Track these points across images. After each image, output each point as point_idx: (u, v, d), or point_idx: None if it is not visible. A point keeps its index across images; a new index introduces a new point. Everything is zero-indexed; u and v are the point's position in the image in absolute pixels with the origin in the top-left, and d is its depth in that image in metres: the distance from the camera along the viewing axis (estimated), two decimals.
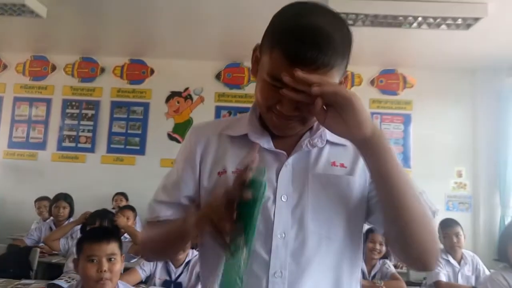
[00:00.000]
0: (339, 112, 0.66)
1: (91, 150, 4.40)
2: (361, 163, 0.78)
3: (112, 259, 1.43)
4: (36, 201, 3.85)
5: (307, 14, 0.70)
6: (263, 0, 2.33)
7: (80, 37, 4.16)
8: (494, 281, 2.23)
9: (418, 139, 4.27)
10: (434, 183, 4.04)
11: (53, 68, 4.55)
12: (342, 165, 0.80)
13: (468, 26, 3.03)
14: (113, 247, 1.45)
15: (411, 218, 0.70)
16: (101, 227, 2.28)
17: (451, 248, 2.74)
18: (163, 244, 0.85)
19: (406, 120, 4.32)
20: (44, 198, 3.79)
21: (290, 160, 0.79)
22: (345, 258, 0.78)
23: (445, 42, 3.57)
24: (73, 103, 4.49)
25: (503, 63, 4.01)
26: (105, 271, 1.40)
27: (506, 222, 3.85)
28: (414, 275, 3.05)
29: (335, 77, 0.70)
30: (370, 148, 0.69)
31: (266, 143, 0.80)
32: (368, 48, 3.78)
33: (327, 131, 0.78)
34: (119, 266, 1.45)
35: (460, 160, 4.23)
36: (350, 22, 2.97)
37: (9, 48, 4.48)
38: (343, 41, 0.70)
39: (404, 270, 3.04)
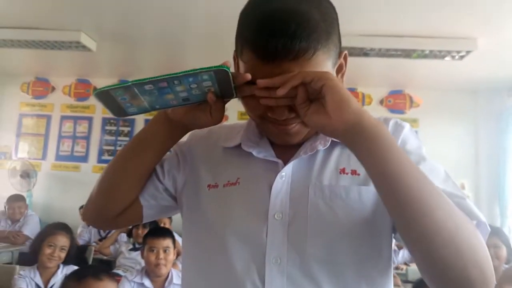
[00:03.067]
0: (321, 102, 0.55)
1: None
2: None
3: (167, 250, 1.91)
4: (80, 208, 4.38)
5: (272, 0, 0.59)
6: None
7: (118, 63, 4.69)
8: None
9: None
10: None
11: (95, 89, 5.12)
12: (354, 172, 0.65)
13: (462, 57, 3.43)
14: (167, 242, 1.93)
15: (435, 235, 0.51)
16: (159, 227, 2.76)
17: None
18: (121, 161, 0.72)
19: None
20: None
21: (287, 169, 0.66)
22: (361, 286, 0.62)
23: (447, 67, 3.93)
24: (112, 121, 5.04)
25: (503, 84, 4.35)
26: (161, 258, 1.88)
27: (505, 231, 4.17)
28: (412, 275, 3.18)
29: (322, 61, 0.58)
30: (358, 141, 0.54)
31: (264, 151, 0.69)
32: (378, 72, 4.21)
33: None
34: (171, 256, 1.93)
35: (463, 174, 4.56)
36: (363, 54, 3.44)
37: (56, 74, 5.08)
38: (324, 17, 0.59)
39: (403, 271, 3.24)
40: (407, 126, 0.71)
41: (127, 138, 4.96)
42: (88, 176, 4.93)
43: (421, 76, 4.39)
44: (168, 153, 0.76)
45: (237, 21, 0.64)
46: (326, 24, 0.59)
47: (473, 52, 3.30)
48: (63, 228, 2.24)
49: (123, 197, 0.73)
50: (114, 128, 5.03)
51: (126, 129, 5.01)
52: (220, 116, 0.65)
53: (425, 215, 0.51)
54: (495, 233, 2.26)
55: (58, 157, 5.04)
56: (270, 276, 0.61)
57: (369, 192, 0.63)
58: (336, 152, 0.68)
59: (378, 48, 3.39)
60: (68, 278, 1.47)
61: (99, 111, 5.07)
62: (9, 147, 5.12)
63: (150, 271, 1.91)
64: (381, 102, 4.80)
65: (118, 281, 1.63)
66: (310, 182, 0.65)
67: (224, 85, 0.60)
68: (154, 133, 0.70)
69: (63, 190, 4.91)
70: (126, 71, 4.92)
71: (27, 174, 4.69)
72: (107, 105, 0.60)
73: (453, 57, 3.44)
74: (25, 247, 3.56)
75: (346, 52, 0.68)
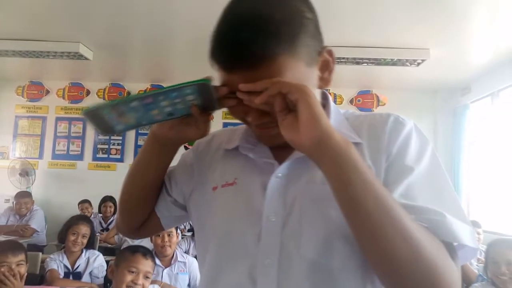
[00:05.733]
0: (297, 115, 0.54)
1: (121, 160, 5.33)
2: (381, 163, 0.61)
3: (170, 234, 2.36)
4: (79, 203, 4.74)
5: (236, 6, 0.60)
6: None
7: (109, 68, 4.97)
8: None
9: None
10: None
11: (88, 92, 5.48)
12: None
13: (418, 64, 3.96)
14: None
15: (390, 264, 0.52)
16: None
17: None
18: (131, 185, 0.77)
19: None
20: (85, 201, 4.70)
21: (283, 169, 0.65)
22: None
23: (408, 71, 4.38)
24: None
25: (457, 85, 4.90)
26: (166, 241, 2.33)
27: None
28: None
29: (288, 64, 0.57)
30: (322, 160, 0.53)
31: (261, 153, 0.68)
32: (348, 75, 4.69)
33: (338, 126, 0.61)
34: (175, 238, 2.38)
35: None
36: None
37: (51, 77, 5.39)
38: (288, 19, 0.57)
39: None
40: (408, 124, 0.66)
41: (120, 137, 5.35)
42: (84, 173, 5.31)
43: (386, 78, 4.87)
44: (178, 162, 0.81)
45: None
46: (291, 26, 0.57)
47: (427, 61, 3.82)
48: (84, 219, 2.68)
49: (138, 213, 0.79)
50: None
51: None
52: (206, 128, 0.68)
53: (380, 244, 0.51)
54: (509, 246, 2.12)
55: (55, 156, 5.38)
56: (262, 279, 0.60)
57: None
58: None
59: (346, 58, 3.88)
60: (124, 249, 1.91)
61: None
62: (7, 147, 5.44)
63: (158, 252, 2.35)
64: (351, 101, 5.32)
65: None
66: (305, 182, 0.63)
67: (207, 98, 0.61)
68: (147, 153, 0.73)
69: (61, 187, 5.27)
70: (116, 76, 5.28)
71: (26, 172, 5.03)
72: (95, 123, 0.61)
73: (410, 64, 3.96)
74: (32, 239, 3.94)
75: (330, 49, 0.65)
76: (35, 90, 5.49)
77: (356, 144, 0.62)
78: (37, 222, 4.11)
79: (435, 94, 5.20)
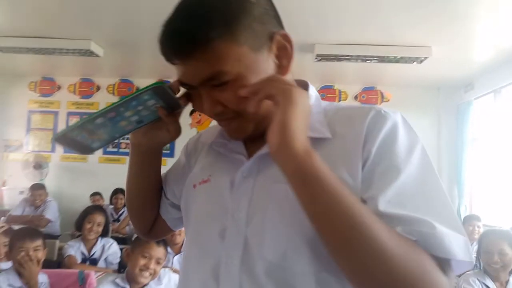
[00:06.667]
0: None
1: (128, 154, 5.45)
2: (352, 160, 0.56)
3: None
4: (91, 195, 4.88)
5: None
6: None
7: (119, 64, 5.08)
8: (469, 282, 2.13)
9: None
10: None
11: (98, 88, 5.62)
12: None
13: (421, 61, 4.04)
14: None
15: (369, 285, 0.48)
16: None
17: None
18: (132, 186, 0.78)
19: None
20: (97, 193, 4.85)
21: (249, 166, 0.62)
22: None
23: (412, 68, 4.43)
24: None
25: (460, 82, 4.96)
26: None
27: (461, 210, 4.85)
28: None
29: (226, 49, 0.54)
30: (284, 169, 0.51)
31: (234, 148, 0.66)
32: (353, 71, 4.78)
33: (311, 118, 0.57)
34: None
35: None
36: (337, 59, 4.02)
37: (62, 73, 5.53)
38: (227, 4, 0.56)
39: None
40: (392, 118, 0.59)
41: None
42: (95, 166, 5.46)
43: (391, 75, 4.93)
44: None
45: None
46: (228, 11, 0.55)
47: (429, 58, 3.90)
48: (99, 208, 2.83)
49: (143, 218, 0.82)
50: None
51: None
52: (176, 128, 0.68)
53: (350, 261, 0.48)
54: (503, 237, 2.22)
55: (66, 150, 5.49)
56: (225, 278, 0.58)
57: None
58: None
59: (351, 55, 3.97)
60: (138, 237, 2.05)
61: (102, 107, 5.54)
62: (20, 141, 5.60)
63: (168, 240, 2.47)
64: (356, 97, 5.40)
65: None
66: (271, 180, 0.59)
67: (167, 99, 0.61)
68: (133, 162, 0.76)
69: (72, 179, 5.42)
70: (126, 72, 5.41)
71: (39, 165, 5.19)
72: (71, 146, 0.60)
73: (413, 62, 4.04)
74: (47, 229, 4.10)
75: (284, 32, 0.61)
76: (47, 85, 5.64)
77: (324, 140, 0.59)
78: (51, 212, 4.27)
79: (439, 90, 5.26)
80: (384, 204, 0.52)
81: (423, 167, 0.56)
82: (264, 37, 0.58)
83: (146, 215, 0.82)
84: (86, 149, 0.63)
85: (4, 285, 1.86)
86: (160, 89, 0.59)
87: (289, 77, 0.64)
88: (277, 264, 0.56)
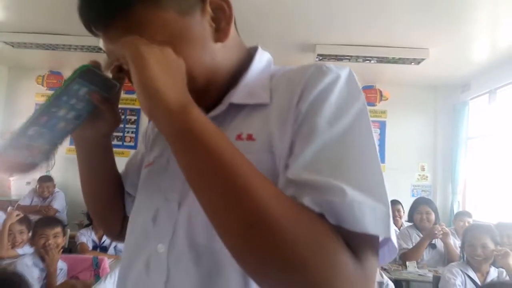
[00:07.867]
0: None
1: (134, 147, 5.60)
2: (285, 125, 0.49)
3: None
4: None
5: None
6: None
7: None
8: (452, 272, 2.26)
9: (391, 141, 5.33)
10: (403, 175, 5.19)
11: None
12: (249, 137, 0.51)
13: (418, 62, 4.18)
14: None
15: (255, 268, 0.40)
16: None
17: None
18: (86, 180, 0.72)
19: (382, 126, 5.46)
20: None
21: None
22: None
23: (410, 68, 4.57)
24: (120, 111, 5.63)
25: (457, 82, 5.09)
26: None
27: (454, 206, 5.00)
28: None
29: (148, 14, 0.50)
30: (164, 134, 0.46)
31: None
32: (353, 71, 4.85)
33: (253, 86, 0.55)
34: None
35: (423, 157, 5.32)
36: (338, 60, 4.15)
37: (69, 67, 5.63)
38: None
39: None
40: (332, 73, 0.51)
41: (134, 126, 5.63)
42: None
43: (389, 75, 5.05)
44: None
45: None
46: None
47: (426, 59, 4.04)
48: None
49: (109, 222, 0.75)
50: (122, 117, 5.66)
51: (133, 117, 5.67)
52: (114, 115, 0.60)
53: (226, 233, 0.42)
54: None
55: (72, 142, 5.62)
56: (154, 265, 0.53)
57: (264, 162, 0.48)
58: (242, 114, 0.55)
59: (351, 55, 4.11)
60: None
61: None
62: None
63: None
64: None
65: None
66: None
67: (100, 81, 0.54)
68: (80, 161, 0.69)
69: (78, 172, 5.53)
70: None
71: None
72: (12, 168, 0.53)
73: (411, 63, 4.18)
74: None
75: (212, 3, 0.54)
76: (54, 79, 5.77)
77: (264, 105, 0.53)
78: (59, 203, 4.43)
79: (436, 90, 5.40)
80: (297, 169, 0.44)
81: (354, 129, 0.47)
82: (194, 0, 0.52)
83: (111, 217, 0.74)
84: (32, 166, 0.55)
85: (30, 263, 2.03)
86: (87, 72, 0.52)
87: (234, 41, 0.59)
88: (205, 246, 0.50)
